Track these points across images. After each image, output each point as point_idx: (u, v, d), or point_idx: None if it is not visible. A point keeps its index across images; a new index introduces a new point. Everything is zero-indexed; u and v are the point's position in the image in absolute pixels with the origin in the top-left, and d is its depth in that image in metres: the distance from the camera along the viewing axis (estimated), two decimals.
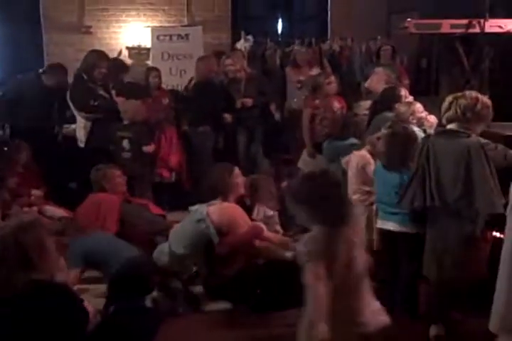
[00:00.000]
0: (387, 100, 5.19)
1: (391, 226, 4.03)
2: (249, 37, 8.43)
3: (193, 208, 4.45)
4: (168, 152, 6.46)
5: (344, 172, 4.91)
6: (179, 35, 8.39)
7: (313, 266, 2.61)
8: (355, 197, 4.55)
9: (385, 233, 4.11)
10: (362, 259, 2.72)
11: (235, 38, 8.91)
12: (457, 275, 3.69)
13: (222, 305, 4.28)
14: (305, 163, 6.15)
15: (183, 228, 4.47)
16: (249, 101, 6.69)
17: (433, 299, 3.96)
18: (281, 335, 3.88)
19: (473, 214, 3.58)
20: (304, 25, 9.70)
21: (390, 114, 5.03)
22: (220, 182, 4.45)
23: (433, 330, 3.83)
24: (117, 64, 6.99)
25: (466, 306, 3.95)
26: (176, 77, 8.01)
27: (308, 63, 7.43)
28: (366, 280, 2.76)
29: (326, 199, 2.69)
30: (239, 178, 4.60)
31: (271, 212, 4.85)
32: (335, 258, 2.63)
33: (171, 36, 8.38)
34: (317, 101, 6.05)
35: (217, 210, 4.34)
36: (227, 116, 6.66)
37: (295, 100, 7.22)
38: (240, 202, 4.69)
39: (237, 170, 4.61)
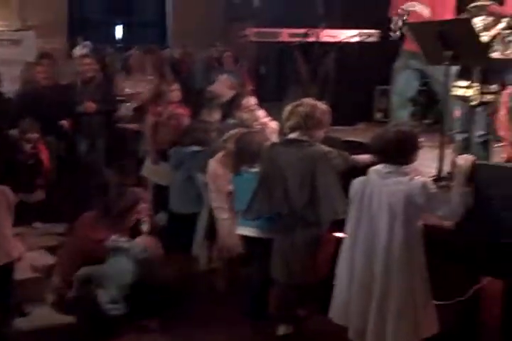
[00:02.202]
0: (230, 107, 5.28)
1: (249, 231, 4.12)
2: (88, 43, 8.17)
3: None
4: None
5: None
6: (10, 40, 7.96)
7: None
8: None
9: (244, 238, 4.22)
10: None
11: (73, 44, 8.60)
12: (304, 276, 3.81)
13: None
14: (148, 170, 6.07)
15: None
16: (92, 106, 6.49)
17: (281, 299, 4.06)
18: None
19: (318, 219, 3.70)
20: (144, 31, 9.58)
21: (233, 121, 5.11)
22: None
23: (280, 329, 3.96)
24: None
25: (312, 303, 4.14)
26: (8, 84, 7.56)
27: (142, 70, 7.31)
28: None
29: None
30: None
31: None
32: None
33: (0, 41, 7.94)
34: (160, 109, 6.01)
35: None
36: (64, 123, 6.42)
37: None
38: None
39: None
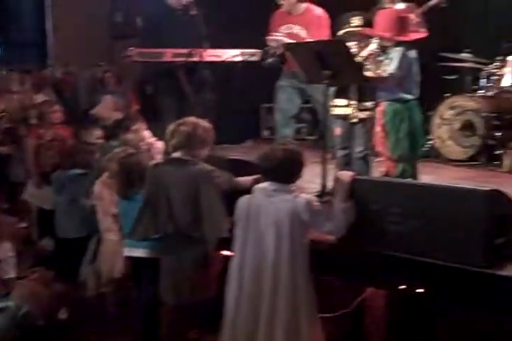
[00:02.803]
0: (116, 129, 5.23)
1: (140, 252, 4.04)
2: None
3: None
4: None
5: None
6: None
7: None
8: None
9: (132, 260, 4.13)
10: None
11: None
12: (192, 296, 3.79)
13: None
14: (31, 194, 5.88)
15: None
16: None
17: (171, 321, 4.02)
18: None
19: (203, 238, 3.71)
20: (23, 50, 9.26)
21: (115, 143, 5.05)
22: None
23: None
24: None
25: (202, 324, 4.10)
26: None
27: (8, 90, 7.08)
28: None
29: None
30: None
31: None
32: None
33: None
34: (42, 131, 5.84)
35: None
36: None
37: None
38: None
39: None
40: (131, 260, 4.18)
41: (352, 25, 4.56)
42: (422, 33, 4.54)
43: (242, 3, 7.39)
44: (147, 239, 3.92)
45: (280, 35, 5.45)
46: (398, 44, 4.28)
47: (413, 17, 5.37)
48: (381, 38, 4.35)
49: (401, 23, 4.31)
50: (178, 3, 6.28)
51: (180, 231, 3.73)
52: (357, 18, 4.58)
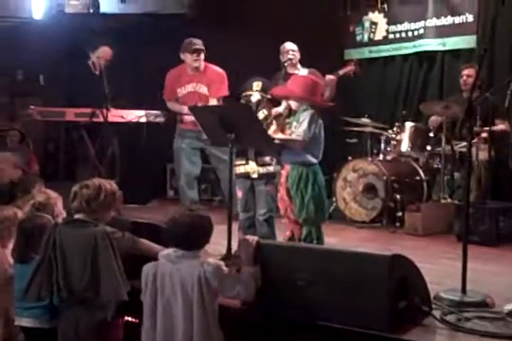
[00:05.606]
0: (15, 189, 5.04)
1: (25, 322, 3.78)
2: None
3: None
4: None
5: None
6: None
7: None
8: None
9: (23, 330, 3.85)
10: None
11: None
12: None
13: None
14: None
15: None
16: None
17: None
18: None
19: (103, 302, 3.55)
20: None
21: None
22: None
23: None
24: None
25: None
26: None
27: None
28: None
29: None
30: None
31: None
32: None
33: None
34: None
35: None
36: None
37: None
38: None
39: None
40: (24, 330, 3.92)
41: (254, 89, 4.68)
42: (330, 103, 4.77)
43: (144, 64, 7.50)
44: (40, 301, 3.69)
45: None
46: (307, 108, 4.39)
47: (324, 84, 5.59)
48: (294, 99, 4.43)
49: (313, 89, 4.42)
50: (96, 68, 6.28)
51: (76, 296, 3.56)
52: (257, 83, 4.71)
